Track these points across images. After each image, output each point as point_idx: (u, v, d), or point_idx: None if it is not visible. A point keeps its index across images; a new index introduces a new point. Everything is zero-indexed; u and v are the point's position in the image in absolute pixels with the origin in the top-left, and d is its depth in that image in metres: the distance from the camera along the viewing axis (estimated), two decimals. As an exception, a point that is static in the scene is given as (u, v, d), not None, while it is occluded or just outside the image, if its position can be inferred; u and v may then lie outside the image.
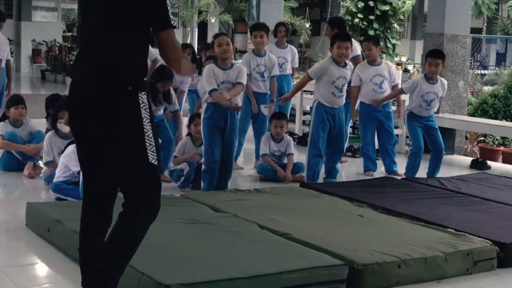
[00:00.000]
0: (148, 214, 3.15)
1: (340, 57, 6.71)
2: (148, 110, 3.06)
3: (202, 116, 6.16)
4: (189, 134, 6.74)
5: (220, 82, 6.04)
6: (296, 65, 8.88)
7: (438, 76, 7.24)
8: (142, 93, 3.06)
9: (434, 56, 7.19)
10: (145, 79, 3.20)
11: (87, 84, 3.08)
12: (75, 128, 3.22)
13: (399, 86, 7.65)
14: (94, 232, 3.29)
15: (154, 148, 3.07)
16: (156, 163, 3.08)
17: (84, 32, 3.19)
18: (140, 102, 3.04)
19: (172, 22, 3.10)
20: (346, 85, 6.89)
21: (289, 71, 8.61)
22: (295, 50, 8.79)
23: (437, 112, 8.09)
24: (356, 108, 7.71)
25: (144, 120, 3.04)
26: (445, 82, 7.37)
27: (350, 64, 6.98)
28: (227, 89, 6.03)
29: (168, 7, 3.09)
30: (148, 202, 3.14)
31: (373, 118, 7.57)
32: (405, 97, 8.11)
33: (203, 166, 6.17)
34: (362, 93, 7.55)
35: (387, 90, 7.53)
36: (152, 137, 3.06)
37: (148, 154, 3.04)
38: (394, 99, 7.85)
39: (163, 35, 3.09)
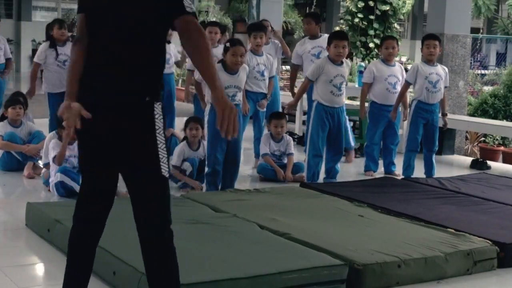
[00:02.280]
0: (161, 228, 3.03)
1: (338, 56, 6.70)
2: (162, 121, 3.00)
3: (206, 118, 6.11)
4: (184, 138, 6.68)
5: (225, 87, 5.96)
6: (280, 55, 9.14)
7: (438, 63, 7.28)
8: (158, 103, 3.00)
9: (431, 38, 7.23)
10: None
11: (105, 89, 2.96)
12: (84, 127, 3.02)
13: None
14: (86, 234, 3.16)
15: (166, 159, 3.00)
16: (167, 175, 3.02)
17: (106, 36, 2.99)
18: (155, 113, 2.98)
19: (189, 9, 2.91)
20: (345, 83, 6.88)
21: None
22: (277, 43, 8.93)
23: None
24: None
25: (158, 131, 2.98)
26: (445, 67, 7.38)
27: (347, 62, 6.96)
28: (232, 93, 6.01)
29: None
30: (159, 215, 3.02)
31: (384, 118, 7.49)
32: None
33: (206, 169, 6.11)
34: (374, 92, 7.48)
35: (399, 91, 7.49)
36: (165, 148, 3.00)
37: (161, 166, 2.98)
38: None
39: (184, 20, 2.90)
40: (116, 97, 2.95)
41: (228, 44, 6.18)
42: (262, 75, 7.47)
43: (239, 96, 6.15)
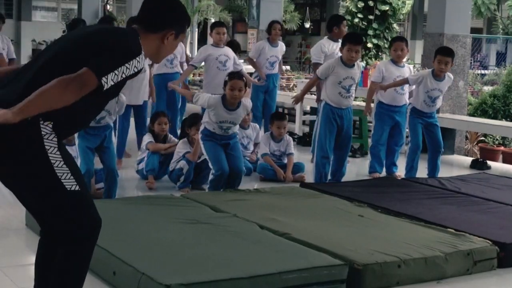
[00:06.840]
0: (80, 240, 2.98)
1: (350, 60, 6.62)
2: (54, 139, 2.83)
3: (200, 136, 6.09)
4: (185, 136, 6.66)
5: (220, 121, 5.96)
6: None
7: (446, 74, 7.14)
8: (46, 122, 2.80)
9: (445, 54, 7.02)
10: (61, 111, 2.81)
11: None
12: None
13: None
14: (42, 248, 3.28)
15: (69, 174, 2.87)
16: (77, 188, 2.89)
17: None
18: (43, 133, 2.80)
19: (104, 81, 2.76)
20: (355, 85, 6.78)
21: (277, 70, 9.08)
22: (284, 46, 9.23)
23: (437, 112, 8.06)
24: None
25: (50, 150, 2.82)
26: (451, 76, 7.23)
27: (358, 64, 6.87)
28: (226, 127, 5.99)
29: (111, 61, 2.80)
30: (78, 229, 2.95)
31: (390, 119, 7.44)
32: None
33: (211, 175, 6.05)
34: (382, 92, 7.37)
35: (406, 92, 7.43)
36: (64, 165, 2.86)
37: (64, 183, 2.86)
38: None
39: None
40: None
41: (227, 78, 6.04)
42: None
43: (234, 129, 6.11)
